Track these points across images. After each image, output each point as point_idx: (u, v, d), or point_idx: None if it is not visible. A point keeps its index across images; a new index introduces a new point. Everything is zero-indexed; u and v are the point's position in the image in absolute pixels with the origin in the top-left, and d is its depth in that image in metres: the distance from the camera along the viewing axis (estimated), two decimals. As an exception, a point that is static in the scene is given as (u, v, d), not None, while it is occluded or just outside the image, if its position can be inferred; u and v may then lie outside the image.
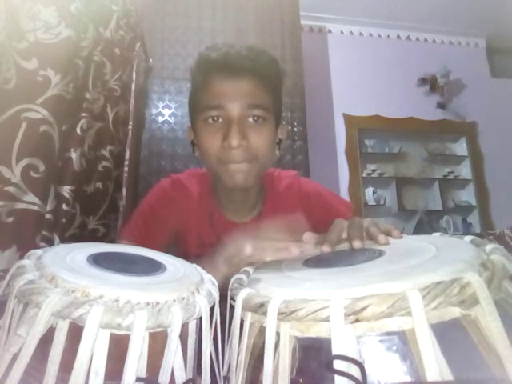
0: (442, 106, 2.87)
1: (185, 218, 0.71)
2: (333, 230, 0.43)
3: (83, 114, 0.85)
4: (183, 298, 0.29)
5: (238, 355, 0.29)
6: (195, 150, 0.68)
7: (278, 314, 0.25)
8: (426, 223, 2.76)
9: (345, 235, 0.45)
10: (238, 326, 0.29)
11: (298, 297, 0.25)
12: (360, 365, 0.21)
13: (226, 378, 0.31)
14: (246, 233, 0.50)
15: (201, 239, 0.71)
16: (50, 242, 0.72)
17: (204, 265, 0.41)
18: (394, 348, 0.22)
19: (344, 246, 0.41)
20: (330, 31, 2.94)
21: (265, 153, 0.62)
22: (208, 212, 0.72)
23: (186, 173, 0.78)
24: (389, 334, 0.22)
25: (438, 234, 0.37)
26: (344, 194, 2.62)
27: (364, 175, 2.77)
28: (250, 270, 0.39)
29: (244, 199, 0.70)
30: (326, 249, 0.40)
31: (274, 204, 0.72)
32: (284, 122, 0.72)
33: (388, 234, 0.40)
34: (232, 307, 0.31)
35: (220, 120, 0.60)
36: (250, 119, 0.60)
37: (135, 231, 0.70)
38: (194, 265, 0.40)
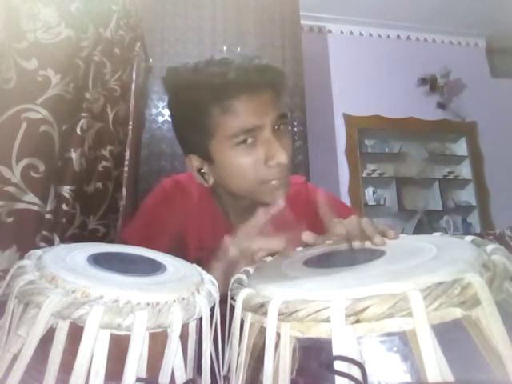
0: (442, 106, 2.88)
1: (185, 219, 0.70)
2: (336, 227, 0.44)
3: (83, 114, 0.85)
4: (183, 299, 0.29)
5: (238, 355, 0.29)
6: (209, 178, 0.63)
7: (279, 314, 0.25)
8: (426, 223, 2.76)
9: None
10: (238, 326, 0.29)
11: (298, 297, 0.25)
12: (361, 365, 0.21)
13: (226, 378, 0.31)
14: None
15: (201, 242, 0.70)
16: (50, 242, 0.72)
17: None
18: (395, 349, 0.22)
19: (344, 246, 0.41)
20: (329, 31, 2.94)
21: (290, 159, 0.60)
22: (210, 215, 0.70)
23: (187, 173, 0.76)
24: (389, 334, 0.22)
25: (438, 233, 0.37)
26: (344, 194, 2.62)
27: (364, 175, 2.77)
28: (250, 269, 0.39)
29: (248, 205, 0.66)
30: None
31: (277, 214, 0.71)
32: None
33: (383, 234, 0.40)
34: (232, 307, 0.31)
35: (249, 140, 0.56)
36: (276, 128, 0.59)
37: (136, 234, 0.69)
38: (194, 265, 0.40)
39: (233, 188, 0.62)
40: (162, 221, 0.69)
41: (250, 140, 0.56)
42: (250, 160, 0.56)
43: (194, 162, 0.63)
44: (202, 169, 0.63)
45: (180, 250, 0.73)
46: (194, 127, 0.60)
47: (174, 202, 0.70)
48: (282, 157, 0.55)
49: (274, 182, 0.58)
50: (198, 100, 0.58)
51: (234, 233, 0.52)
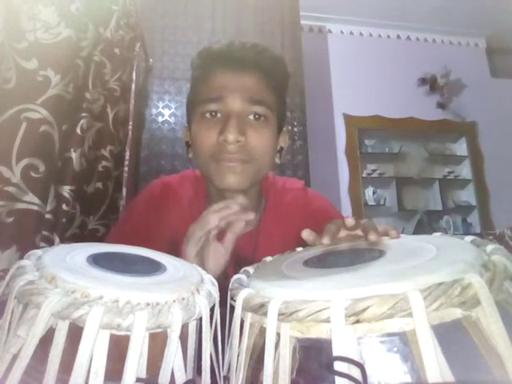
0: (441, 106, 2.87)
1: (175, 224, 0.66)
2: (331, 225, 0.43)
3: (83, 114, 0.85)
4: (183, 299, 0.29)
5: (238, 356, 0.29)
6: (189, 151, 0.64)
7: (279, 314, 0.25)
8: (426, 223, 2.76)
9: (343, 234, 0.45)
10: (238, 326, 0.29)
11: (298, 297, 0.25)
12: (361, 366, 0.21)
13: (226, 379, 0.31)
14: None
15: None
16: (50, 242, 0.72)
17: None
18: (395, 349, 0.22)
19: (344, 246, 0.41)
20: (329, 31, 2.94)
21: (262, 154, 0.57)
22: None
23: (179, 174, 0.73)
24: (390, 335, 0.22)
25: (438, 234, 0.37)
26: (344, 194, 2.62)
27: (364, 175, 2.77)
28: (250, 269, 0.39)
29: None
30: (326, 240, 0.40)
31: (274, 217, 0.67)
32: (287, 128, 0.67)
33: (385, 234, 0.40)
34: (232, 307, 0.31)
35: (218, 115, 0.56)
36: (251, 117, 0.57)
37: (122, 239, 0.63)
38: (194, 265, 0.40)
39: (198, 165, 0.61)
40: (150, 226, 0.65)
41: (218, 115, 0.57)
42: (207, 131, 0.57)
43: (186, 132, 0.65)
44: (189, 141, 0.65)
45: (173, 254, 0.70)
46: (188, 98, 0.64)
47: (163, 206, 0.67)
48: (229, 134, 0.53)
49: (224, 165, 0.56)
50: (192, 69, 0.63)
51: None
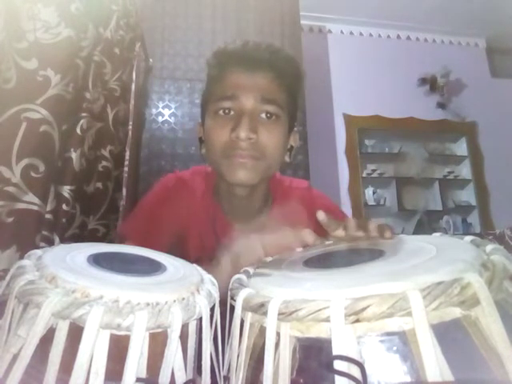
0: (442, 106, 2.87)
1: (186, 218, 0.69)
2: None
3: (83, 114, 0.85)
4: (183, 299, 0.29)
5: (238, 355, 0.29)
6: (202, 147, 0.66)
7: (278, 314, 0.25)
8: (426, 223, 2.76)
9: (342, 233, 0.45)
10: (238, 326, 0.29)
11: (298, 297, 0.25)
12: (360, 365, 0.21)
13: (226, 379, 0.31)
14: (248, 233, 0.51)
15: (201, 241, 0.69)
16: (50, 242, 0.72)
17: (209, 267, 0.42)
18: (395, 348, 0.22)
19: (344, 246, 0.41)
20: (329, 31, 2.94)
21: (273, 152, 0.59)
22: (210, 214, 0.69)
23: (191, 170, 0.76)
24: (389, 334, 0.22)
25: (438, 234, 0.37)
26: (344, 193, 2.62)
27: (364, 175, 2.77)
28: (250, 269, 0.39)
29: (246, 205, 0.67)
30: (340, 232, 0.44)
31: (280, 215, 0.68)
32: (296, 129, 0.68)
33: (381, 232, 0.41)
34: (232, 307, 0.31)
35: (232, 113, 0.58)
36: (263, 115, 0.58)
37: (136, 229, 0.68)
38: (194, 265, 0.40)
39: (210, 161, 0.63)
40: (163, 218, 0.68)
41: (231, 113, 0.58)
42: (220, 128, 0.58)
43: (200, 129, 0.67)
44: (202, 137, 0.66)
45: (180, 248, 0.72)
46: (202, 95, 0.67)
47: (176, 200, 0.69)
48: (241, 132, 0.55)
49: (236, 161, 0.57)
50: (207, 68, 0.65)
51: (234, 234, 0.52)
